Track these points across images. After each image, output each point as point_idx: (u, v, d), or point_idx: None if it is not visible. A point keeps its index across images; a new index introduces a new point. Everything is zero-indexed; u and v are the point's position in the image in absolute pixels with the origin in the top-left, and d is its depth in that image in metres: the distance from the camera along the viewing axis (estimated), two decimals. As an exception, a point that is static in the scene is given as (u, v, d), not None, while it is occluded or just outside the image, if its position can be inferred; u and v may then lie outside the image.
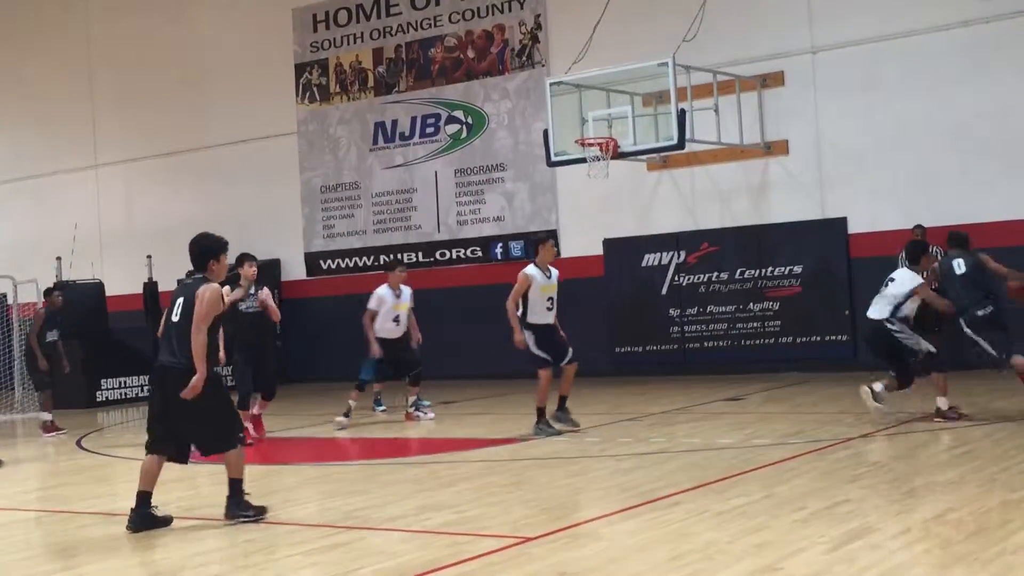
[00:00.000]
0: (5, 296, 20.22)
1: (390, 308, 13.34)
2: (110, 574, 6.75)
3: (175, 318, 7.83)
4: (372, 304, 13.33)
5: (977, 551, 5.87)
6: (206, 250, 8.18)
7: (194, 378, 7.60)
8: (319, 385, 20.45)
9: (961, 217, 15.48)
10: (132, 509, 7.79)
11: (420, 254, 20.47)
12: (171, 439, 7.89)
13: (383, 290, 13.40)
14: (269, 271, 21.81)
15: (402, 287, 13.46)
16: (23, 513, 9.09)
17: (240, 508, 7.78)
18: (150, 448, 7.92)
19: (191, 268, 8.30)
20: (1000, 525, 6.39)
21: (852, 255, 16.58)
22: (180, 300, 7.89)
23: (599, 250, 18.29)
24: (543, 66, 19.10)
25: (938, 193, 15.95)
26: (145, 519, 7.75)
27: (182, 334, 7.71)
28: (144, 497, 7.82)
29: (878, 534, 6.38)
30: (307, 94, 21.67)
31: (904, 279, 11.04)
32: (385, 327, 13.30)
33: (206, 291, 7.79)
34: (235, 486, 7.82)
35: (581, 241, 18.53)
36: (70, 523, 8.57)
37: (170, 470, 11.11)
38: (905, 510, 6.95)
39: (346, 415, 13.29)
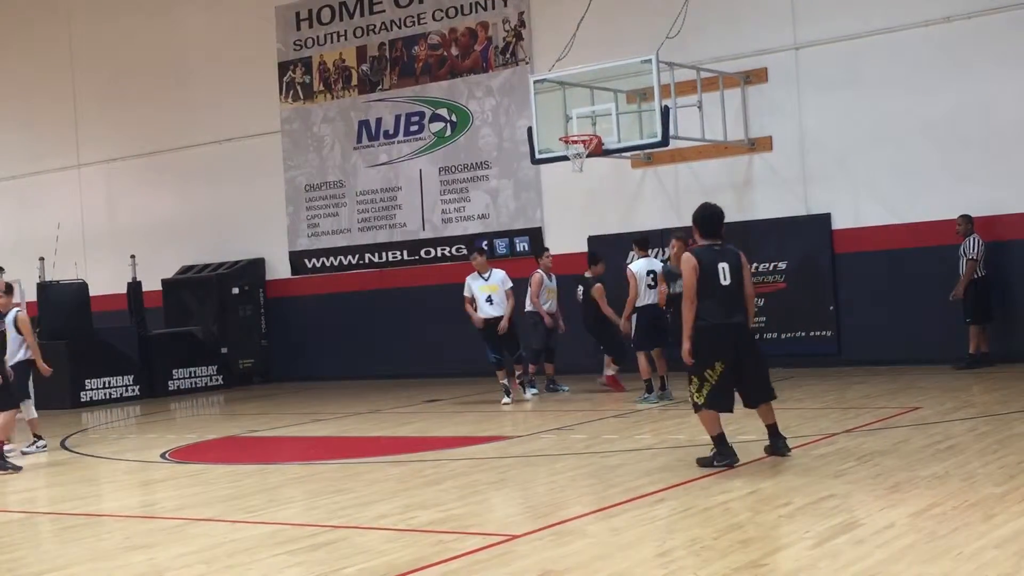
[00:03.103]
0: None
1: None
2: (94, 575, 6.72)
3: (725, 282, 8.58)
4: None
5: (961, 545, 5.90)
6: (721, 216, 8.98)
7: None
8: (304, 384, 20.43)
9: (944, 212, 15.56)
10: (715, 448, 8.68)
11: (405, 252, 20.45)
12: (731, 394, 8.65)
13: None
14: (253, 270, 21.83)
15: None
16: (8, 515, 9.04)
17: (783, 444, 8.90)
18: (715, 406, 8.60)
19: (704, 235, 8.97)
20: (984, 519, 6.42)
21: (836, 251, 16.62)
22: (725, 266, 8.64)
23: (584, 247, 18.28)
24: (527, 63, 19.09)
25: (921, 189, 15.99)
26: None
27: (738, 295, 8.64)
28: (721, 438, 8.66)
29: (863, 529, 6.40)
30: (290, 92, 21.62)
31: None
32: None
33: (743, 256, 8.85)
34: (773, 429, 8.88)
35: (566, 238, 18.52)
36: (55, 524, 8.55)
37: (156, 470, 11.09)
38: (889, 505, 6.97)
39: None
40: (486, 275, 14.80)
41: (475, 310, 14.75)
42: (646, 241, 14.59)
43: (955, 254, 15.19)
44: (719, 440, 8.64)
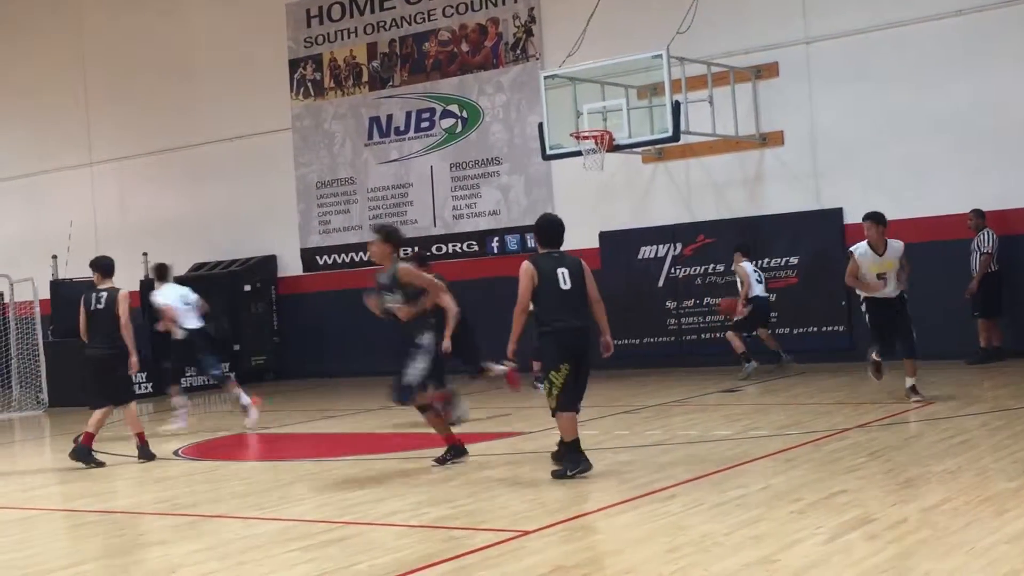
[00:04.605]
0: (1, 295, 20.21)
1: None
2: (108, 572, 6.75)
3: (565, 286, 8.57)
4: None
5: (973, 540, 5.88)
6: (560, 226, 8.87)
7: (608, 339, 8.74)
8: (315, 380, 20.46)
9: (956, 207, 15.51)
10: (565, 454, 8.60)
11: (416, 249, 20.43)
12: (580, 394, 8.67)
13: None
14: (265, 267, 21.87)
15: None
16: (22, 512, 9.08)
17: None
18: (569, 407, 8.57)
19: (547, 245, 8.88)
20: (996, 515, 6.40)
21: (848, 245, 16.53)
22: (564, 271, 8.60)
23: (595, 243, 18.28)
24: (537, 59, 19.08)
25: (933, 183, 15.95)
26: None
27: (579, 300, 8.61)
28: (575, 444, 8.57)
29: (875, 524, 6.38)
30: (301, 89, 21.65)
31: None
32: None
33: (585, 264, 8.79)
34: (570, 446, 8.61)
35: (577, 234, 18.30)
36: (67, 521, 8.58)
37: (169, 467, 11.11)
38: (902, 500, 6.96)
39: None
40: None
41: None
42: (748, 247, 16.08)
43: (967, 249, 15.15)
44: (574, 446, 8.51)
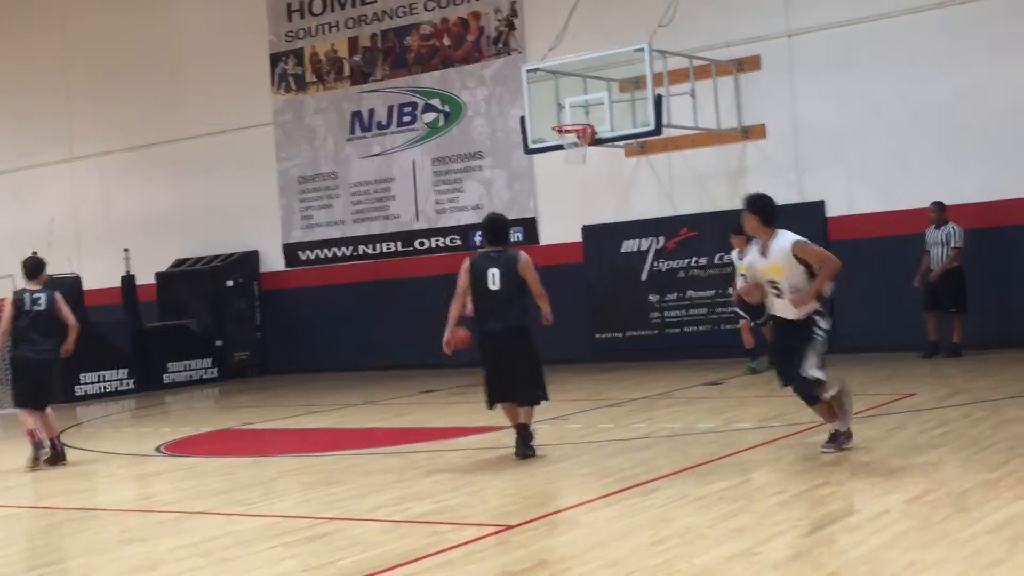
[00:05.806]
0: (-19, 291, 20.02)
1: None
2: (90, 570, 6.72)
3: (494, 287, 8.94)
4: None
5: (955, 531, 5.90)
6: (500, 224, 9.43)
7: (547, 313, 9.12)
8: (299, 376, 20.41)
9: (938, 198, 15.54)
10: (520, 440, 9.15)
11: (399, 243, 20.42)
12: (508, 386, 9.14)
13: None
14: (247, 262, 21.81)
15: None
16: (3, 510, 9.03)
17: (529, 448, 9.14)
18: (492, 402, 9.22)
19: (490, 243, 9.32)
20: (978, 505, 6.42)
21: (830, 238, 16.55)
22: (495, 271, 8.95)
23: (578, 237, 18.29)
24: (519, 53, 19.05)
25: (914, 175, 15.99)
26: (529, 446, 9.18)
27: (508, 299, 8.93)
28: (523, 428, 9.18)
29: (857, 516, 6.41)
30: (283, 84, 21.57)
31: None
32: None
33: (529, 259, 9.07)
34: (524, 431, 9.15)
35: (560, 228, 18.52)
36: (50, 519, 8.54)
37: (151, 464, 11.08)
38: (883, 492, 6.98)
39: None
40: None
41: None
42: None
43: (946, 241, 15.16)
44: (517, 431, 9.20)
